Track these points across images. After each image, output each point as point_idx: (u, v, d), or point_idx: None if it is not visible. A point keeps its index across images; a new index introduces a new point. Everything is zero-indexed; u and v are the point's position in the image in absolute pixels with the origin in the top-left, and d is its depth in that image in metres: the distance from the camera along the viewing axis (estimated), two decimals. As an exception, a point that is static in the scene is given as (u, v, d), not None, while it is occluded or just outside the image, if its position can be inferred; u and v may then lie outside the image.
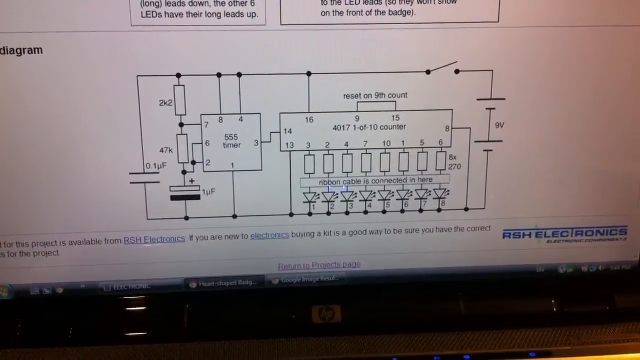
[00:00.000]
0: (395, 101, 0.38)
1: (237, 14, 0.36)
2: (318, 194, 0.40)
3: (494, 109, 0.39)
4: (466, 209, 0.41)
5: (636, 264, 0.42)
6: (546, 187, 0.40)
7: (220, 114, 0.38)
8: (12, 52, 0.35)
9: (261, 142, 0.38)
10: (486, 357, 0.37)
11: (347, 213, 0.40)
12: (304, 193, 0.40)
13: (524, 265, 0.42)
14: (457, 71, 0.38)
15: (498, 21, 0.38)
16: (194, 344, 0.39)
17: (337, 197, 0.40)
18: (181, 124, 0.38)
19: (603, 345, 0.38)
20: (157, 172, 0.38)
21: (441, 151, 0.40)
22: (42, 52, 0.36)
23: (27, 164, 0.37)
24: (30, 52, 0.36)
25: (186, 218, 0.39)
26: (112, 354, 0.38)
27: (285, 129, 0.38)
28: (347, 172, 0.39)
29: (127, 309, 0.40)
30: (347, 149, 0.39)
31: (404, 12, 0.37)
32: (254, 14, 0.36)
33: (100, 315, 0.40)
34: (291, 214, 0.40)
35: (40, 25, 0.35)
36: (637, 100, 0.40)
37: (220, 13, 0.36)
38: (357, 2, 0.37)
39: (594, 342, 0.39)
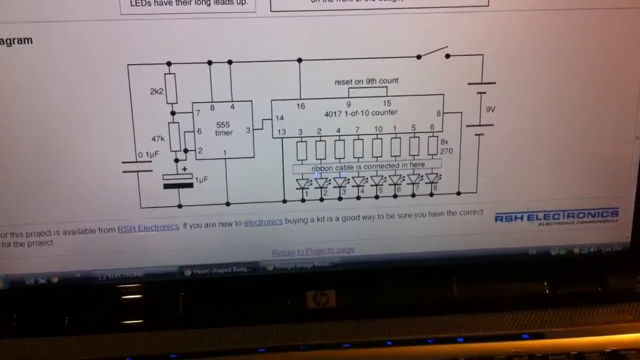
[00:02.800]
0: (386, 87, 0.39)
1: (227, 1, 0.37)
2: (311, 181, 0.40)
3: (484, 93, 0.40)
4: (458, 193, 0.41)
5: (627, 245, 0.43)
6: (537, 170, 0.41)
7: (212, 102, 0.38)
8: (1, 42, 0.36)
9: (253, 129, 0.39)
10: (479, 340, 0.38)
11: (340, 199, 0.41)
12: (296, 180, 0.40)
13: (517, 248, 0.43)
14: (447, 56, 0.39)
15: (488, 5, 0.38)
16: (189, 331, 0.40)
17: (329, 183, 0.40)
18: (173, 113, 0.38)
19: (595, 327, 0.39)
20: (150, 161, 0.39)
21: (433, 136, 0.40)
22: (32, 42, 0.36)
23: (20, 155, 0.38)
24: (20, 42, 0.36)
25: (180, 206, 0.40)
26: (108, 342, 0.39)
27: (277, 116, 0.39)
28: (340, 158, 0.40)
29: (123, 297, 0.41)
30: (339, 135, 0.40)
31: (394, -2, 0.37)
32: (243, 1, 0.37)
33: (95, 304, 0.41)
34: (284, 201, 0.41)
35: (30, 15, 0.36)
36: (626, 83, 0.40)
37: (209, 0, 0.36)
38: (348, -13, 0.37)
39: (586, 324, 0.40)
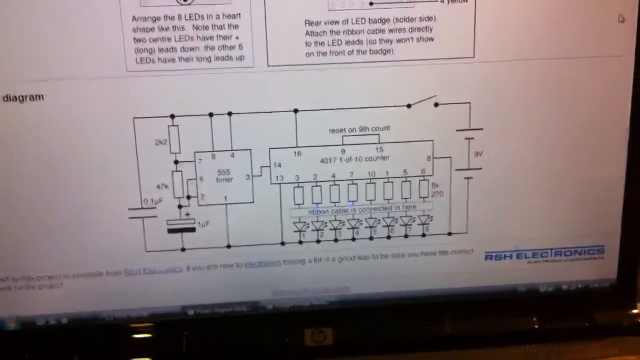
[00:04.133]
0: (378, 134, 0.42)
1: (227, 58, 0.39)
2: (308, 224, 0.43)
3: (472, 138, 0.42)
4: (449, 234, 0.44)
5: (614, 281, 0.45)
6: (525, 210, 0.44)
7: (213, 151, 0.41)
8: (14, 99, 0.39)
9: (252, 176, 0.42)
10: (474, 355, 0.41)
11: (335, 240, 0.43)
12: (294, 223, 0.43)
13: (506, 285, 0.45)
14: (436, 104, 0.41)
15: (474, 57, 0.41)
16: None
17: (325, 225, 0.43)
18: (176, 162, 0.41)
19: (586, 353, 0.42)
20: (155, 207, 0.42)
21: (424, 180, 0.43)
22: (43, 99, 0.39)
23: (31, 204, 0.40)
24: (32, 99, 0.39)
25: (183, 249, 0.42)
26: (115, 380, 0.41)
27: (275, 163, 0.42)
28: (335, 202, 0.43)
29: (129, 336, 0.43)
30: (334, 180, 0.42)
31: (384, 51, 0.40)
32: (242, 57, 0.39)
33: (103, 343, 0.43)
34: (283, 243, 0.43)
35: (41, 73, 0.38)
36: (611, 126, 0.43)
37: (210, 57, 0.39)
38: (340, 43, 0.40)
39: (575, 358, 0.42)
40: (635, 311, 0.45)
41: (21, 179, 0.40)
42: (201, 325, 0.44)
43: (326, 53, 0.40)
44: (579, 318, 0.45)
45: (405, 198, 0.43)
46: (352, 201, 0.43)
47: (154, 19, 0.38)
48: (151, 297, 0.43)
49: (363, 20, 0.40)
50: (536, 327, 0.45)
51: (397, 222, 0.43)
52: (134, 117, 0.40)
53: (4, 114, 0.39)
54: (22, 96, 0.39)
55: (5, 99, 0.39)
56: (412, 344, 0.44)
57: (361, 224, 0.43)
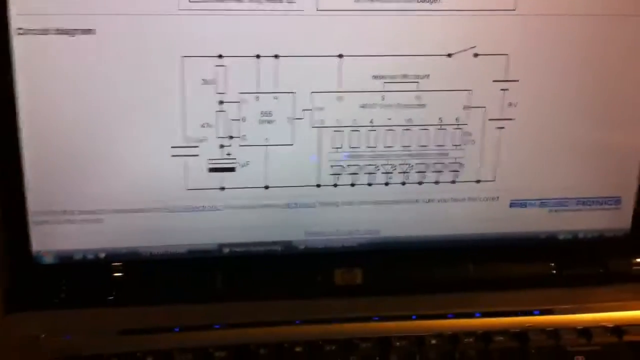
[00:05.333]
0: (418, 82, 0.43)
1: (277, 0, 0.40)
2: (344, 167, 0.45)
3: (507, 90, 0.44)
4: (478, 181, 0.46)
5: (628, 231, 0.48)
6: (551, 161, 0.46)
7: (258, 92, 0.42)
8: (66, 32, 0.39)
9: (294, 119, 0.43)
10: (495, 315, 0.44)
11: (369, 185, 0.45)
12: (331, 166, 0.44)
13: (528, 233, 0.48)
14: (476, 55, 0.43)
15: (514, 9, 0.42)
16: (226, 304, 0.44)
17: (361, 170, 0.45)
18: (221, 102, 0.42)
19: (599, 304, 0.45)
20: (197, 146, 0.43)
21: (458, 128, 0.45)
22: (94, 33, 0.39)
23: (78, 139, 0.41)
24: (83, 32, 0.39)
25: (222, 189, 0.44)
26: (154, 313, 0.43)
27: (316, 107, 0.43)
28: (372, 148, 0.44)
29: (166, 272, 0.45)
30: (373, 126, 0.44)
31: (430, 0, 0.42)
32: (292, 0, 0.40)
33: (140, 278, 0.45)
34: (318, 185, 0.45)
35: (93, 7, 0.39)
36: (634, 86, 0.45)
37: (261, -1, 0.40)
38: (388, -10, 0.41)
39: (590, 302, 0.45)
40: (646, 261, 0.49)
41: (68, 112, 0.41)
42: (236, 263, 0.45)
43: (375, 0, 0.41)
44: (594, 265, 0.48)
45: (439, 145, 0.45)
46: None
47: (208, -43, 0.39)
48: (189, 234, 0.45)
49: (413, -32, 0.41)
50: (554, 272, 0.48)
51: (429, 168, 0.45)
52: (183, 56, 0.41)
53: (55, 47, 0.39)
54: (74, 30, 0.39)
55: (57, 32, 0.39)
56: (437, 285, 0.46)
57: (395, 169, 0.45)
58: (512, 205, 0.47)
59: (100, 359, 0.39)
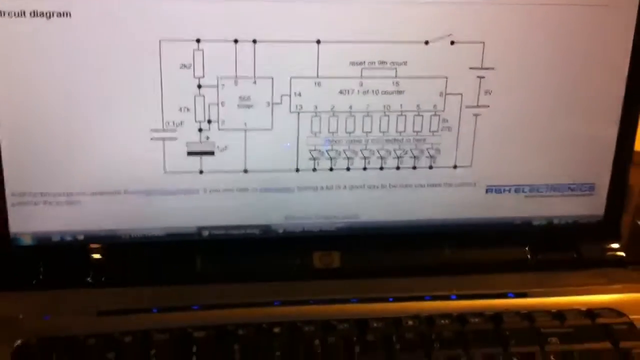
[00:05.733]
0: (395, 69, 0.44)
1: (256, -15, 0.41)
2: (322, 152, 0.45)
3: (483, 77, 0.45)
4: (455, 167, 0.47)
5: (601, 217, 0.49)
6: (526, 148, 0.47)
7: (236, 77, 0.43)
8: (42, 15, 0.39)
9: (272, 103, 0.44)
10: (471, 297, 0.45)
11: (348, 169, 0.46)
12: (309, 151, 0.45)
13: (504, 218, 0.49)
14: (452, 42, 0.44)
15: (491, -3, 0.43)
16: (205, 286, 0.45)
17: (339, 155, 0.45)
18: (199, 86, 0.43)
19: (572, 288, 0.46)
20: (176, 130, 0.43)
21: (435, 115, 0.46)
22: (70, 16, 0.40)
23: (55, 121, 0.42)
24: (59, 15, 0.40)
25: (201, 172, 0.44)
26: (133, 294, 0.44)
27: (295, 92, 0.44)
28: (350, 132, 0.45)
29: (145, 254, 0.45)
30: (351, 112, 0.45)
31: (407, -13, 0.42)
32: (270, -15, 0.41)
33: (118, 260, 0.45)
34: (297, 170, 0.45)
35: (70, -10, 0.39)
36: (612, 74, 0.46)
37: (239, -17, 0.41)
38: (366, -24, 0.42)
39: (564, 285, 0.46)
40: (619, 245, 0.49)
41: (44, 95, 0.41)
42: (215, 245, 0.46)
43: (352, -15, 0.42)
44: (568, 250, 0.49)
45: (417, 131, 0.46)
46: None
47: (187, -59, 0.39)
48: (168, 217, 0.45)
49: (391, -45, 0.41)
50: (528, 257, 0.49)
51: (406, 154, 0.46)
52: (160, 40, 0.41)
53: (30, 29, 0.39)
54: (50, 12, 0.39)
55: (33, 14, 0.39)
56: (414, 269, 0.47)
57: (373, 154, 0.46)
58: (487, 190, 0.48)
59: (79, 340, 0.39)
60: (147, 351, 0.39)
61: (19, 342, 0.39)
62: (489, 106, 0.46)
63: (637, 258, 0.50)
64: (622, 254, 0.49)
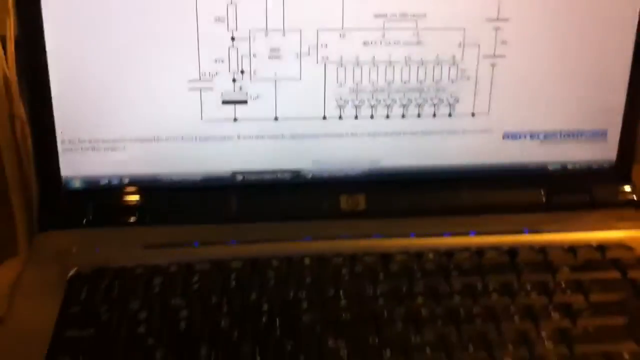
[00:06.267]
0: (416, 21, 0.47)
1: (285, -60, 0.44)
2: (348, 101, 0.49)
3: (499, 28, 0.48)
4: (473, 115, 0.50)
5: (613, 162, 0.52)
6: (541, 96, 0.50)
7: (267, 30, 0.46)
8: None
9: (301, 55, 0.47)
10: (487, 233, 0.48)
11: (371, 117, 0.49)
12: (335, 100, 0.49)
13: (520, 163, 0.52)
14: (469, -5, 0.47)
15: (506, -50, 0.46)
16: (241, 225, 0.48)
17: (364, 103, 0.49)
18: (233, 38, 0.46)
19: (584, 226, 0.49)
20: (211, 80, 0.47)
21: (454, 65, 0.49)
22: (116, -27, 0.44)
23: (101, 73, 0.46)
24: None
25: (235, 120, 0.48)
26: (172, 232, 0.47)
27: (321, 44, 0.47)
28: (373, 82, 0.48)
29: (184, 196, 0.49)
30: (374, 62, 0.48)
31: (427, -58, 0.45)
32: (299, -59, 0.44)
33: (161, 201, 0.49)
34: (324, 117, 0.49)
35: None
36: (619, 25, 0.49)
37: (269, -62, 0.44)
38: None
39: (576, 224, 0.49)
40: (629, 189, 0.52)
41: (91, 48, 0.45)
42: (248, 189, 0.50)
43: (375, -60, 0.45)
44: (581, 193, 0.52)
45: (436, 81, 0.49)
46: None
47: None
48: (205, 162, 0.49)
49: None
50: (544, 199, 0.52)
51: (427, 102, 0.49)
52: (197, -6, 0.45)
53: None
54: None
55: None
56: (435, 210, 0.50)
57: (395, 102, 0.49)
58: (504, 137, 0.51)
59: (128, 269, 0.43)
60: (190, 279, 0.43)
61: (73, 271, 0.43)
62: (505, 56, 0.49)
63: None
64: (634, 196, 0.52)
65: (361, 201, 0.51)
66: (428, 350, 0.38)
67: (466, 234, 0.48)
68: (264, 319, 0.40)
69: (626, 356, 0.38)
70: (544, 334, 0.40)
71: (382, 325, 0.40)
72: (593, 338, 0.40)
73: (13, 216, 0.54)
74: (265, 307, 0.41)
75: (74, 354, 0.37)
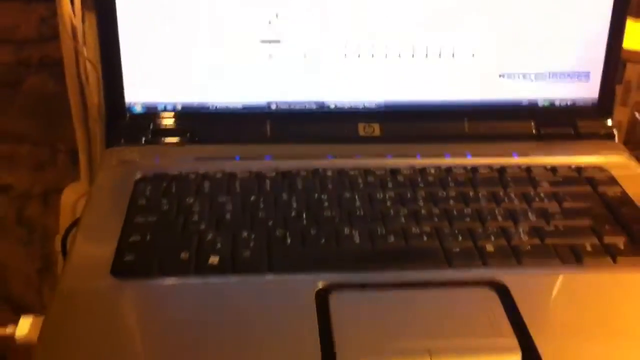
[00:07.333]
0: (425, -28, 0.56)
1: None
2: (365, 43, 0.58)
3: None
4: (473, 55, 0.59)
5: (596, 100, 0.61)
6: (532, 40, 0.59)
7: (299, -21, 0.56)
8: None
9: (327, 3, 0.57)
10: (482, 155, 0.57)
11: (386, 57, 0.59)
12: (355, 39, 0.58)
13: (513, 99, 0.61)
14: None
15: None
16: (274, 144, 0.58)
17: (379, 45, 0.58)
18: (271, -14, 0.56)
19: (566, 152, 0.58)
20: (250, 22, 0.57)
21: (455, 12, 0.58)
22: None
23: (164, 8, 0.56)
24: None
25: (270, 57, 0.58)
26: (218, 149, 0.57)
27: (345, -8, 0.56)
28: (387, 26, 0.58)
29: (227, 121, 0.59)
30: (388, 11, 0.57)
31: None
32: None
33: (207, 125, 0.59)
34: (345, 56, 0.58)
35: None
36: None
37: None
38: None
39: (560, 150, 0.58)
40: (609, 123, 0.61)
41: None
42: (281, 116, 0.59)
43: None
44: (567, 126, 0.61)
45: (442, 26, 0.58)
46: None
47: None
48: (244, 93, 0.59)
49: None
50: (533, 130, 0.61)
51: (433, 44, 0.58)
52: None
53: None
54: None
55: None
56: (438, 138, 0.60)
57: (406, 45, 0.58)
58: (500, 76, 0.60)
59: (182, 175, 0.53)
60: (233, 183, 0.53)
61: (138, 174, 0.54)
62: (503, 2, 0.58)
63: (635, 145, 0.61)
64: (613, 130, 0.61)
65: (376, 129, 0.60)
66: (425, 238, 0.48)
67: (463, 155, 0.57)
68: (292, 213, 0.50)
69: (588, 248, 0.47)
70: (521, 229, 0.49)
71: (388, 219, 0.49)
72: (562, 234, 0.49)
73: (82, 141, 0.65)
74: (294, 204, 0.51)
75: (142, 234, 0.48)
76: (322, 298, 0.42)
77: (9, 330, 0.45)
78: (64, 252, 0.56)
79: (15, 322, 0.45)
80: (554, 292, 0.44)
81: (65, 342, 0.39)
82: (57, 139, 0.86)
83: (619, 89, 0.64)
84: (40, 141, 0.86)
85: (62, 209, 0.71)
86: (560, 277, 0.45)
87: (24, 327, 0.44)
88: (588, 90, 0.61)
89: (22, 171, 0.86)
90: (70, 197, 0.71)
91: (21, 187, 0.87)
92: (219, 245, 0.46)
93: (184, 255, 0.45)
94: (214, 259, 0.45)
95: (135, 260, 0.45)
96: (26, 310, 0.47)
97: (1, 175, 0.87)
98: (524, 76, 0.60)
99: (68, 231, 0.61)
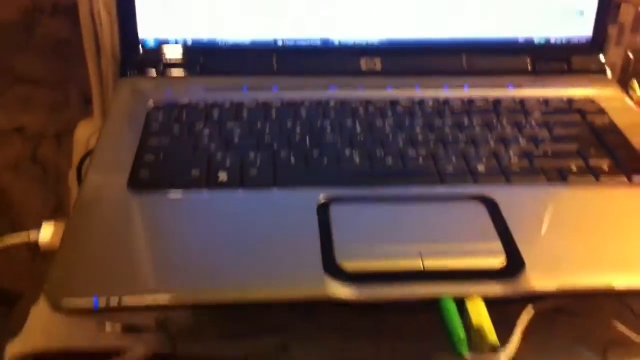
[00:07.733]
0: None
1: None
2: (369, -21, 0.61)
3: None
4: None
5: (589, 38, 0.64)
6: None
7: None
8: None
9: None
10: (479, 86, 0.60)
11: None
12: (358, -22, 0.61)
13: (510, 37, 0.63)
14: None
15: None
16: (280, 77, 0.61)
17: (382, -18, 0.61)
18: None
19: (559, 86, 0.61)
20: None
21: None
22: None
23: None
24: None
25: None
26: (227, 80, 0.60)
27: None
28: (390, -37, 0.60)
29: (234, 56, 0.62)
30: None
31: None
32: None
33: (216, 59, 0.62)
34: (349, -7, 0.61)
35: None
36: None
37: None
38: None
39: (553, 83, 0.61)
40: (602, 59, 0.64)
41: None
42: (287, 51, 0.62)
43: None
44: (561, 62, 0.64)
45: None
46: None
47: None
48: (252, 29, 0.62)
49: None
50: (529, 67, 0.63)
51: None
52: None
53: None
54: None
55: None
56: (438, 72, 0.62)
57: None
58: (498, 13, 0.62)
59: (192, 104, 0.57)
60: (241, 111, 0.56)
61: (151, 102, 0.57)
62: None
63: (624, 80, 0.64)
64: (605, 66, 0.63)
65: (377, 63, 0.63)
66: (421, 160, 0.51)
67: (461, 87, 0.60)
68: (297, 138, 0.53)
69: (574, 169, 0.51)
70: (511, 152, 0.52)
71: (387, 143, 0.53)
72: (550, 157, 0.52)
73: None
74: (298, 130, 0.54)
75: (156, 154, 0.51)
76: (323, 209, 0.46)
77: (32, 235, 0.48)
78: (79, 179, 0.59)
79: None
80: (539, 205, 0.47)
81: (85, 246, 0.42)
82: (71, 82, 0.89)
83: (613, 30, 0.66)
84: (54, 84, 0.89)
85: (75, 144, 0.74)
86: (545, 193, 0.48)
87: (47, 232, 0.48)
88: (582, 28, 0.64)
89: (37, 112, 0.90)
90: (84, 133, 0.74)
91: (34, 128, 0.90)
92: (227, 164, 0.50)
93: (195, 172, 0.49)
94: (223, 176, 0.49)
95: (150, 175, 0.48)
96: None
97: (16, 117, 0.90)
98: (521, 14, 0.63)
99: (83, 160, 0.64)
